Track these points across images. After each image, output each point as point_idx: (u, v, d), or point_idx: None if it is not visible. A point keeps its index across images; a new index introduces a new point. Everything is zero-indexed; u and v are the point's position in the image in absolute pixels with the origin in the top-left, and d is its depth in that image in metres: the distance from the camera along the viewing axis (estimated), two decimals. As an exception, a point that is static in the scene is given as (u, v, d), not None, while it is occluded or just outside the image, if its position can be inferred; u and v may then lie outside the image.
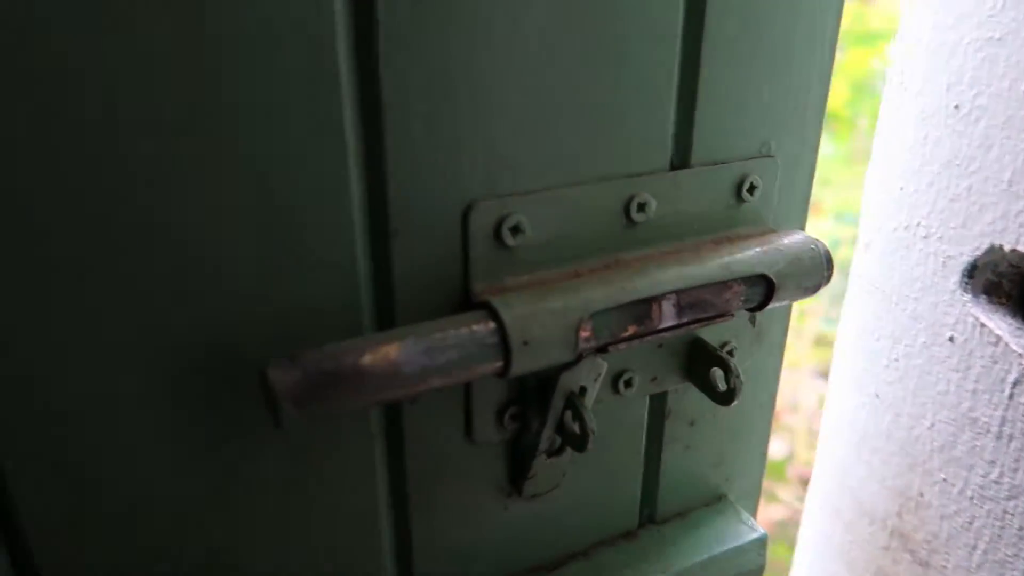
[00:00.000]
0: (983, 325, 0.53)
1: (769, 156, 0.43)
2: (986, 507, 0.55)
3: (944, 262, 0.55)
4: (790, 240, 0.41)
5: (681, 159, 0.40)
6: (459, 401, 0.40)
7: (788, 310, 0.49)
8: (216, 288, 0.32)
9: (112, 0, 0.26)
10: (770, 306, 0.40)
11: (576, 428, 0.40)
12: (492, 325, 0.34)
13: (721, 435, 0.50)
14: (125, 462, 0.33)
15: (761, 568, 0.50)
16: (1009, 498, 0.53)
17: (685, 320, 0.38)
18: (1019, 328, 0.52)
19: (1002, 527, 0.54)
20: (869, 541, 0.67)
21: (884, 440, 0.63)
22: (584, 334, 0.36)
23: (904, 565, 0.63)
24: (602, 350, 0.38)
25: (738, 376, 0.41)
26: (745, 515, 0.51)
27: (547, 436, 0.41)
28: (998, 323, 0.52)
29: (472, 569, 0.44)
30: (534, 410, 0.40)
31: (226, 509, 0.36)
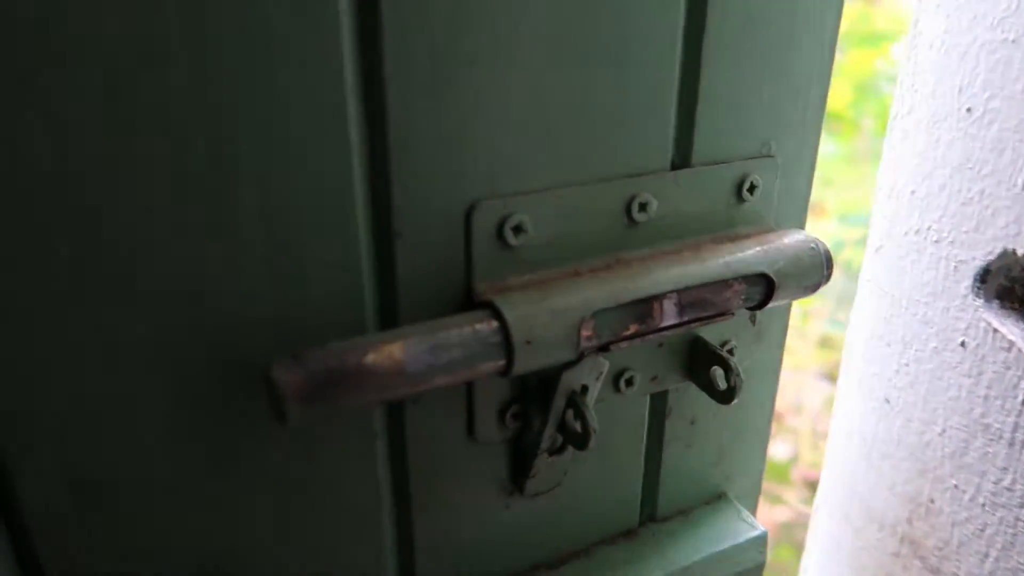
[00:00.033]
0: (995, 330, 0.52)
1: (769, 156, 0.43)
2: (998, 514, 0.55)
3: (956, 266, 0.54)
4: (790, 239, 0.42)
5: (682, 159, 0.41)
6: (461, 400, 0.40)
7: (788, 309, 0.50)
8: (221, 289, 0.32)
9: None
10: (770, 305, 0.40)
11: (578, 427, 0.40)
12: (495, 324, 0.34)
13: (721, 434, 0.51)
14: (130, 462, 0.33)
15: (761, 566, 0.50)
16: (1022, 505, 0.53)
17: (686, 319, 0.38)
18: (1032, 333, 0.52)
19: (1014, 534, 0.54)
20: (878, 547, 0.66)
21: (894, 446, 0.63)
22: (586, 333, 0.36)
23: (914, 572, 0.63)
24: (603, 349, 0.38)
25: (738, 375, 0.42)
26: (745, 513, 0.51)
27: (549, 435, 0.41)
28: (1011, 328, 0.51)
29: (474, 567, 0.45)
30: (536, 409, 0.41)
31: (229, 508, 0.36)
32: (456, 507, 0.43)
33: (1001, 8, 0.48)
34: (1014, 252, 0.51)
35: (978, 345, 0.54)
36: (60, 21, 0.26)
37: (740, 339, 0.47)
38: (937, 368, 0.57)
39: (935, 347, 0.57)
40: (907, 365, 0.60)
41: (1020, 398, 0.52)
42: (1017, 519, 0.53)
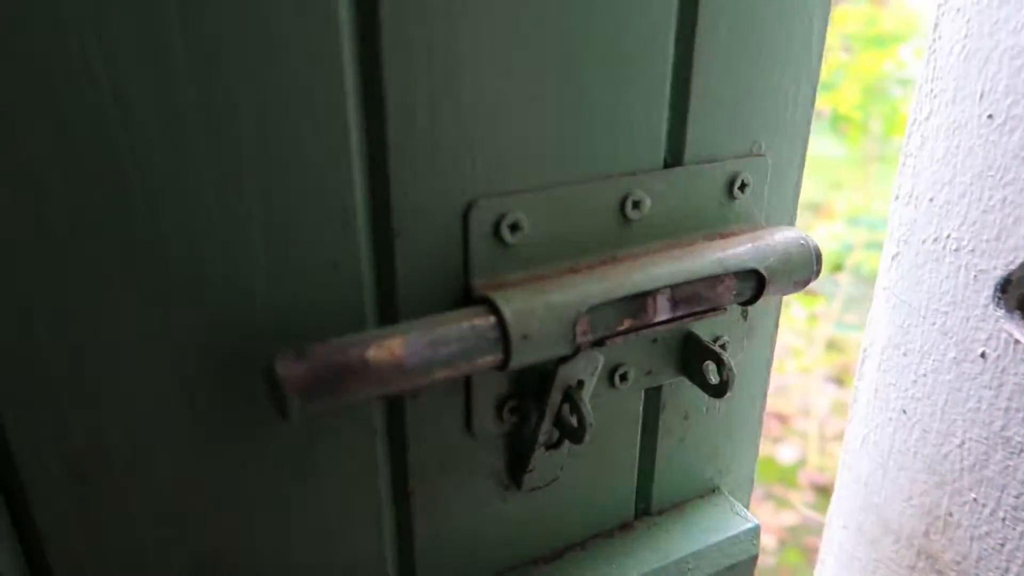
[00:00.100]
0: (1017, 341, 0.51)
1: (759, 155, 0.44)
2: (1019, 529, 0.54)
3: (976, 276, 0.53)
4: (780, 236, 0.42)
5: (674, 158, 0.41)
6: (459, 395, 0.40)
7: (779, 305, 0.50)
8: (224, 286, 0.32)
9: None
10: (761, 300, 0.41)
11: (574, 421, 0.40)
12: (493, 319, 0.35)
13: (714, 428, 0.51)
14: (132, 455, 0.33)
15: (754, 557, 0.51)
16: (1044, 520, 0.52)
17: (679, 314, 0.39)
18: (1055, 345, 0.50)
19: (1035, 550, 0.53)
20: (895, 560, 0.65)
21: (911, 457, 0.61)
22: (581, 328, 0.37)
23: (932, 586, 0.63)
24: (599, 344, 0.38)
25: (730, 369, 0.42)
26: (739, 506, 0.52)
27: (545, 429, 0.42)
28: (1033, 339, 0.50)
29: (473, 560, 0.45)
30: (532, 403, 0.41)
31: (229, 501, 0.36)
32: (455, 501, 0.43)
33: (1024, 13, 0.47)
34: (1036, 262, 0.49)
35: (999, 356, 0.53)
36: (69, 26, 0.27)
37: (732, 334, 0.48)
38: (956, 379, 0.56)
39: (954, 357, 0.56)
40: (925, 375, 0.59)
41: (1042, 411, 0.50)
42: (1039, 534, 0.52)
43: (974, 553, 0.58)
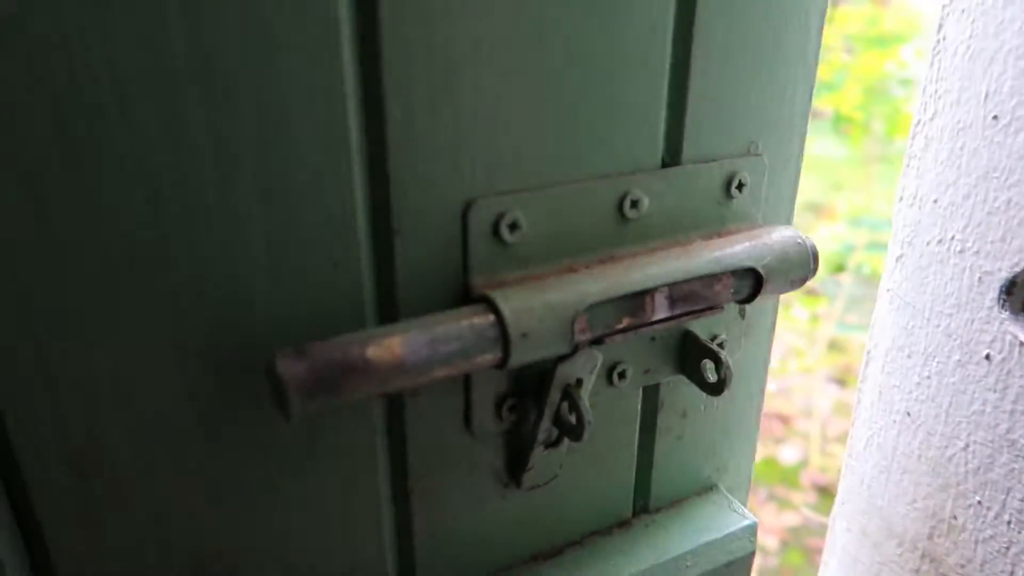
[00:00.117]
0: (1022, 344, 0.51)
1: (756, 155, 0.44)
2: None
3: (980, 278, 0.53)
4: (777, 235, 0.43)
5: (672, 158, 0.42)
6: (458, 394, 0.41)
7: (776, 304, 0.51)
8: (225, 285, 0.33)
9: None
10: (758, 299, 0.41)
11: (572, 419, 0.41)
12: (492, 318, 0.35)
13: (712, 426, 0.52)
14: (134, 452, 0.34)
15: (751, 554, 0.51)
16: (1049, 524, 0.51)
17: (677, 312, 0.39)
18: (1061, 348, 0.50)
19: (1041, 553, 0.52)
20: (898, 563, 0.65)
21: (915, 460, 0.61)
22: (580, 326, 0.37)
23: (936, 589, 0.62)
24: (597, 342, 0.39)
25: (728, 367, 0.43)
26: (736, 503, 0.52)
27: (544, 427, 0.42)
28: (1037, 341, 0.50)
29: (473, 557, 0.45)
30: (531, 402, 0.41)
31: (231, 499, 0.37)
32: (454, 499, 0.43)
33: (1031, 14, 0.47)
34: (1041, 264, 0.49)
35: (1004, 359, 0.52)
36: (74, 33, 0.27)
37: (730, 333, 0.48)
38: (960, 381, 0.56)
39: (958, 360, 0.56)
40: (929, 378, 0.59)
41: (1047, 414, 0.50)
42: (1044, 538, 0.52)
43: (979, 557, 0.57)
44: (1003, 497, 0.55)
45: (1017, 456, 0.53)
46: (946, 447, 0.58)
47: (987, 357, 0.54)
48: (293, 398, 0.31)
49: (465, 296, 0.38)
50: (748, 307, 0.48)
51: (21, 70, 0.26)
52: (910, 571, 0.64)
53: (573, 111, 0.37)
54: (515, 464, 0.44)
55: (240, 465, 0.36)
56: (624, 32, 0.37)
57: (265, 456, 0.37)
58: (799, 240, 0.43)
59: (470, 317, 0.35)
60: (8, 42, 0.26)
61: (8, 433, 0.30)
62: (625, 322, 0.38)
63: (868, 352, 0.66)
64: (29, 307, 0.29)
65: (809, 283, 0.44)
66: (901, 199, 0.60)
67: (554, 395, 0.40)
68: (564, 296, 0.36)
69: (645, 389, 0.48)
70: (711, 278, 0.39)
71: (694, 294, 0.39)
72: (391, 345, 0.33)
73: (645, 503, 0.52)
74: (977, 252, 0.53)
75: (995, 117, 0.50)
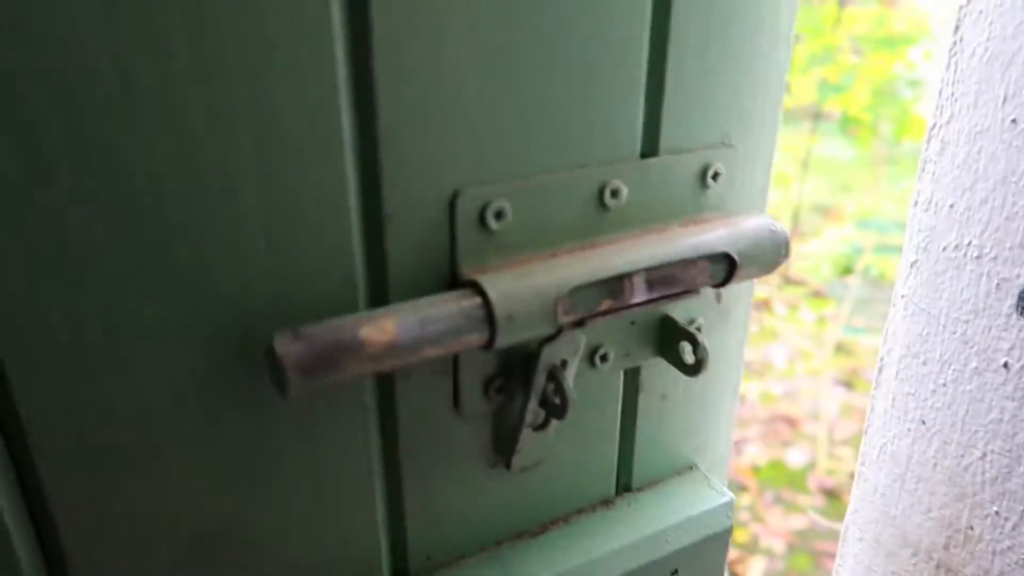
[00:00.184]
0: None
1: (730, 146, 0.46)
2: None
3: (998, 284, 0.52)
4: (751, 223, 0.44)
5: (650, 148, 0.43)
6: (447, 375, 0.42)
7: (751, 290, 0.53)
8: (224, 270, 0.34)
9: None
10: (732, 282, 0.43)
11: (557, 399, 0.42)
12: (479, 300, 0.37)
13: (691, 408, 0.54)
14: (137, 430, 0.35)
15: (729, 529, 0.53)
16: (1070, 536, 0.50)
17: (655, 295, 0.41)
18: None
19: (1061, 566, 0.52)
20: (913, 573, 0.64)
21: (930, 469, 0.60)
22: (563, 308, 0.38)
23: (952, 600, 0.61)
24: (580, 324, 0.40)
25: (704, 348, 0.45)
26: (714, 481, 0.54)
27: (532, 408, 0.44)
28: (1057, 350, 0.48)
29: (462, 535, 0.47)
30: (518, 383, 0.43)
31: (229, 477, 0.38)
32: (444, 478, 0.45)
33: (1050, 15, 0.46)
34: (1061, 271, 0.48)
35: (1022, 366, 0.52)
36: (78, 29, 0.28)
37: (707, 318, 0.50)
38: (977, 389, 0.55)
39: (975, 367, 0.55)
40: (944, 385, 0.58)
41: (1068, 424, 0.49)
42: (1064, 550, 0.50)
43: (996, 568, 0.57)
44: (1021, 508, 0.54)
45: (1036, 466, 0.52)
46: (962, 456, 0.57)
47: (1005, 365, 0.53)
48: (291, 376, 0.32)
49: (453, 281, 0.39)
50: (724, 293, 0.50)
51: (35, 69, 0.28)
52: (925, 581, 0.63)
53: (556, 105, 0.39)
54: (504, 446, 0.46)
55: (238, 444, 0.38)
56: (604, 32, 0.39)
57: (262, 436, 0.38)
58: (771, 227, 0.45)
59: (458, 300, 0.36)
60: (23, 42, 0.27)
61: (18, 410, 0.32)
62: (606, 305, 0.40)
63: (882, 359, 0.66)
64: (40, 290, 0.31)
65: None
66: (916, 204, 0.59)
67: (540, 376, 0.42)
68: (547, 280, 0.38)
69: (626, 372, 0.50)
70: (687, 263, 0.41)
71: (671, 278, 0.41)
72: (384, 326, 0.34)
73: (627, 482, 0.53)
74: (995, 258, 0.52)
75: (1013, 121, 0.50)
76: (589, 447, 0.50)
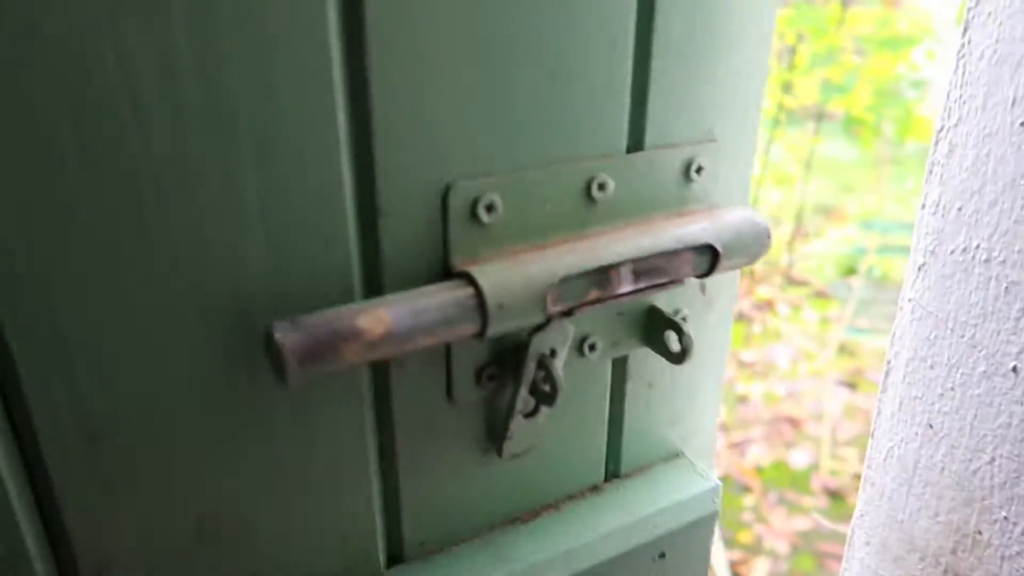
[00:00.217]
0: None
1: (713, 141, 0.47)
2: None
3: (1007, 287, 0.52)
4: (733, 215, 0.46)
5: (635, 143, 0.45)
6: (440, 364, 0.43)
7: (736, 281, 0.54)
8: (226, 263, 0.35)
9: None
10: (716, 272, 0.45)
11: (547, 387, 0.44)
12: (471, 291, 0.38)
13: (677, 396, 0.55)
14: (139, 417, 0.36)
15: (715, 514, 0.55)
16: (1079, 541, 0.51)
17: (641, 285, 0.42)
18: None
19: (1070, 571, 0.52)
20: None
21: (938, 473, 0.60)
22: (552, 298, 0.40)
23: (960, 605, 0.61)
24: (568, 314, 0.42)
25: (689, 337, 0.46)
26: (700, 467, 0.56)
27: (522, 396, 0.45)
28: (1067, 355, 0.49)
29: (456, 520, 0.48)
30: (509, 371, 0.44)
31: (229, 464, 0.39)
32: (438, 465, 0.46)
33: (1060, 19, 0.46)
34: (1071, 274, 0.48)
35: None
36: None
37: (692, 308, 0.51)
38: (986, 393, 0.55)
39: (984, 371, 0.55)
40: (952, 389, 0.58)
41: (1077, 428, 0.49)
42: (1073, 555, 0.50)
43: (1004, 573, 0.56)
44: None
45: (1045, 471, 0.52)
46: (971, 460, 0.57)
47: (1014, 369, 0.52)
48: (291, 364, 0.34)
49: (446, 272, 0.41)
50: (709, 283, 0.51)
51: (43, 68, 0.29)
52: (933, 586, 0.63)
53: (545, 102, 0.40)
54: (496, 434, 0.47)
55: (238, 430, 0.39)
56: (591, 31, 0.40)
57: (261, 422, 0.39)
58: (754, 219, 0.46)
59: (451, 290, 0.38)
60: (31, 43, 0.28)
61: (26, 399, 0.33)
62: (593, 295, 0.41)
63: (888, 362, 0.66)
64: (47, 277, 0.32)
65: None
66: (923, 207, 0.59)
67: (530, 364, 0.43)
68: (537, 270, 0.39)
69: (614, 362, 0.51)
70: (672, 254, 0.43)
71: (656, 268, 0.42)
72: (379, 315, 0.35)
73: (616, 469, 0.55)
74: (1003, 262, 0.52)
75: (1023, 123, 0.49)
76: (578, 434, 0.52)
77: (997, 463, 0.55)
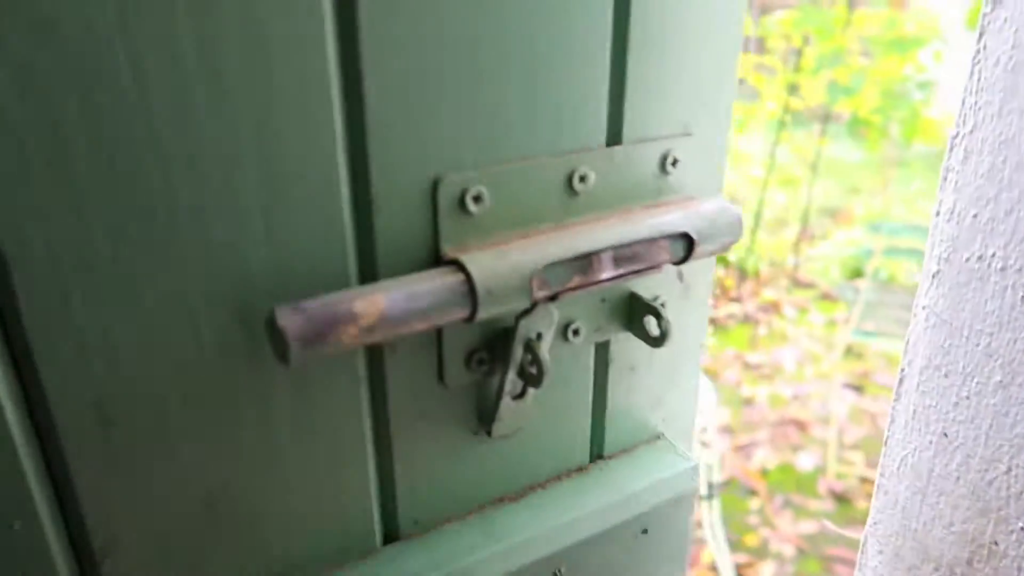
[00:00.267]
0: None
1: (688, 135, 0.50)
2: None
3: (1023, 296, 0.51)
4: (708, 205, 0.48)
5: (614, 137, 0.47)
6: (432, 348, 0.46)
7: (712, 268, 0.57)
8: (227, 251, 0.37)
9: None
10: (692, 259, 0.47)
11: (534, 369, 0.46)
12: (461, 277, 0.40)
13: (658, 380, 0.58)
14: (148, 397, 0.38)
15: (694, 490, 0.57)
16: (1097, 553, 0.50)
17: (621, 271, 0.45)
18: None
19: (1088, 583, 0.51)
20: None
21: (952, 483, 0.59)
22: (537, 284, 0.42)
23: (976, 616, 0.59)
24: (553, 299, 0.44)
25: (667, 320, 0.49)
26: (680, 448, 0.58)
27: (510, 378, 0.47)
28: (1085, 364, 0.48)
29: (447, 499, 0.51)
30: (498, 354, 0.47)
31: (231, 443, 0.41)
32: (430, 445, 0.49)
33: (1077, 23, 0.45)
34: (1089, 282, 0.47)
35: None
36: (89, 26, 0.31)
37: (670, 295, 0.54)
38: (1002, 403, 0.54)
39: (1000, 380, 0.54)
40: (968, 398, 0.57)
41: (1096, 439, 0.48)
42: (1092, 567, 0.49)
43: None
44: None
45: (1063, 482, 0.51)
46: (986, 470, 0.56)
47: None
48: (292, 346, 0.36)
49: (436, 260, 0.43)
50: (686, 270, 0.54)
51: (57, 63, 0.31)
52: (947, 596, 0.62)
53: (529, 99, 0.43)
54: (485, 415, 0.50)
55: (240, 411, 0.41)
56: (570, 29, 0.43)
57: (262, 403, 0.41)
58: (727, 208, 0.49)
59: (443, 276, 0.40)
60: (47, 40, 0.30)
61: (44, 388, 0.35)
62: (576, 280, 0.44)
63: (902, 370, 0.65)
64: (62, 270, 0.34)
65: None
66: (938, 214, 0.58)
67: (517, 347, 0.45)
68: (523, 258, 0.42)
69: (597, 346, 0.53)
70: (650, 242, 0.45)
71: (635, 255, 0.45)
72: (375, 300, 0.38)
73: (600, 450, 0.57)
74: (1020, 270, 0.51)
75: None
76: (564, 417, 0.54)
77: (1014, 473, 0.54)
